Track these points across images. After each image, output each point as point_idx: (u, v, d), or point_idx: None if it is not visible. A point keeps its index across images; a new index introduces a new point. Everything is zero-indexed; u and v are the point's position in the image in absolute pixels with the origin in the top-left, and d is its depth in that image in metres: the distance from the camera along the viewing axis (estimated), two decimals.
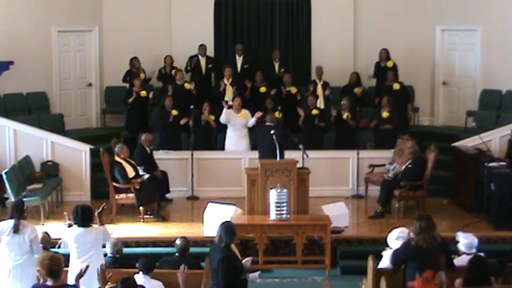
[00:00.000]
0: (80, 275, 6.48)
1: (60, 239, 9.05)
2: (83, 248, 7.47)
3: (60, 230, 9.38)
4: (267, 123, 11.78)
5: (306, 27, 15.23)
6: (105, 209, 7.95)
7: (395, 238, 7.84)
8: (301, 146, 11.14)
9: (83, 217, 7.57)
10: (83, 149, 12.45)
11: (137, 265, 7.35)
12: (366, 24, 15.10)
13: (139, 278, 7.15)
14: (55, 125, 13.46)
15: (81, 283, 6.49)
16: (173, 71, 14.38)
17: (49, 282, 6.20)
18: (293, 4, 15.20)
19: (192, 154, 12.46)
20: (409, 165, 11.54)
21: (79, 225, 7.58)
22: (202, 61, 14.64)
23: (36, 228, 8.02)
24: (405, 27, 14.96)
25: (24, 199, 10.84)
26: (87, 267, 6.62)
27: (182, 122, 12.94)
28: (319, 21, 15.12)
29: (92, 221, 7.65)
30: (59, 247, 8.78)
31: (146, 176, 11.55)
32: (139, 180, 11.37)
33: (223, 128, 13.10)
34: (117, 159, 11.50)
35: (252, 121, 12.87)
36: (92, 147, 12.47)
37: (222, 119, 12.91)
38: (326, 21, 15.04)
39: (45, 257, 6.30)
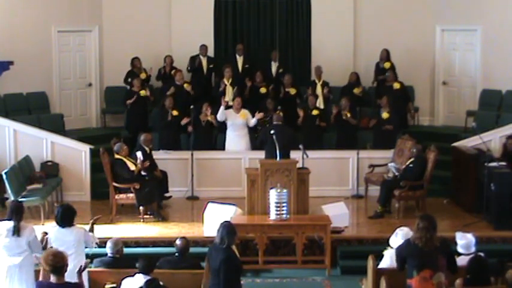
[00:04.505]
0: (81, 270, 6.53)
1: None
2: (63, 247, 7.44)
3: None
4: (274, 123, 11.77)
5: (306, 27, 15.23)
6: (100, 219, 7.92)
7: (394, 235, 7.88)
8: (301, 146, 11.14)
9: (62, 217, 7.55)
10: (83, 149, 12.45)
11: (137, 266, 7.31)
12: (366, 24, 15.10)
13: (140, 278, 7.14)
14: (55, 125, 13.46)
15: None
16: (173, 71, 14.39)
17: (52, 280, 6.21)
18: (293, 4, 15.20)
19: (192, 154, 12.46)
20: (410, 165, 11.54)
21: (59, 225, 7.59)
22: (204, 61, 14.65)
23: (36, 228, 8.01)
24: (405, 27, 14.96)
25: (24, 199, 10.93)
26: (85, 263, 6.67)
27: (182, 122, 12.96)
28: (319, 21, 15.12)
29: (72, 222, 7.60)
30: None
31: (147, 164, 11.51)
32: (139, 166, 11.33)
33: (224, 128, 13.10)
34: (118, 156, 11.50)
35: (253, 121, 12.91)
36: (92, 147, 12.47)
37: (219, 116, 12.90)
38: (326, 21, 15.03)
39: (49, 253, 6.33)
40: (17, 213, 7.61)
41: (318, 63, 14.55)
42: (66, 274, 6.50)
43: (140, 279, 7.15)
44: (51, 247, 7.57)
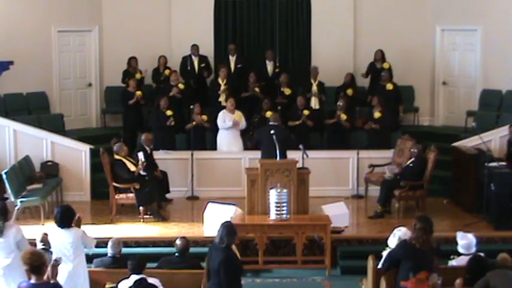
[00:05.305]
0: (53, 264, 6.37)
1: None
2: (61, 248, 7.44)
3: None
4: (270, 123, 11.77)
5: (306, 27, 15.21)
6: (81, 218, 7.84)
7: (392, 236, 7.88)
8: (301, 146, 11.14)
9: (61, 218, 7.52)
10: (83, 149, 12.45)
11: (128, 266, 7.21)
12: (366, 24, 15.10)
13: (136, 278, 7.11)
14: (55, 125, 13.46)
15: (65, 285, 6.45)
16: (166, 71, 14.37)
17: (32, 280, 6.17)
18: (293, 4, 15.19)
19: (192, 154, 12.47)
20: (410, 164, 11.54)
21: (58, 226, 7.56)
22: (195, 61, 14.63)
23: (36, 228, 8.00)
24: (405, 27, 14.96)
25: (24, 199, 10.94)
26: (56, 260, 6.54)
27: (168, 123, 12.88)
28: (319, 21, 15.11)
29: (71, 223, 7.56)
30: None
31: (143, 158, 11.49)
32: (140, 167, 11.33)
33: (216, 128, 13.04)
34: (117, 157, 11.50)
35: (243, 123, 12.91)
36: (92, 147, 12.47)
37: (220, 122, 12.87)
38: (326, 21, 15.02)
39: (26, 252, 6.28)
40: (2, 214, 7.58)
41: (318, 64, 14.54)
42: (66, 275, 6.49)
43: (135, 279, 7.13)
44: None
